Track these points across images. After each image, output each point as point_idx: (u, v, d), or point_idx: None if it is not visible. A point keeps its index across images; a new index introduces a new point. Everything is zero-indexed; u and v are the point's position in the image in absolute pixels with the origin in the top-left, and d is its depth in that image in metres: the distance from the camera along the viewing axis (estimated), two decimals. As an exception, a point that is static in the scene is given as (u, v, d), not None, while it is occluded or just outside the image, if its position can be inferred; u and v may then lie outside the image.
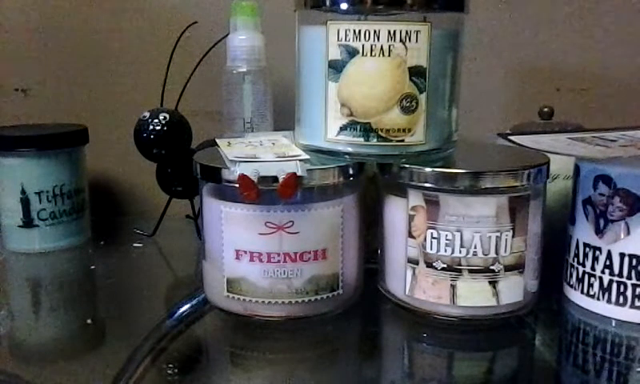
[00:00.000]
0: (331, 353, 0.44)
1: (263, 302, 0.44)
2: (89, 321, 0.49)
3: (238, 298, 0.45)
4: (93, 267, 0.61)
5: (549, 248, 0.48)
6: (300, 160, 0.43)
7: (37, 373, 0.42)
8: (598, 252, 0.46)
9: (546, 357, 0.44)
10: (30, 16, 0.73)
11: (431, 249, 0.44)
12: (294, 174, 0.42)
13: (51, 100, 0.74)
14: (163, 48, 0.63)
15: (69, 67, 0.74)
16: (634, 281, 0.44)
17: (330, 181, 0.44)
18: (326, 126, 0.45)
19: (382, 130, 0.44)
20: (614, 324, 0.45)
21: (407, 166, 0.44)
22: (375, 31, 0.42)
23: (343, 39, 0.43)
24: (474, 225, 0.43)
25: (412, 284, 0.45)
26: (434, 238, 0.43)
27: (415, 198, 0.44)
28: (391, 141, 0.44)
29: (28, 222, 0.62)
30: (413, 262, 0.45)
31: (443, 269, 0.44)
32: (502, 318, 0.45)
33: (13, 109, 0.75)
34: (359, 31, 0.42)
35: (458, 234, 0.43)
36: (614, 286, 0.45)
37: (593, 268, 0.46)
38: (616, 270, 0.45)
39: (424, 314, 0.45)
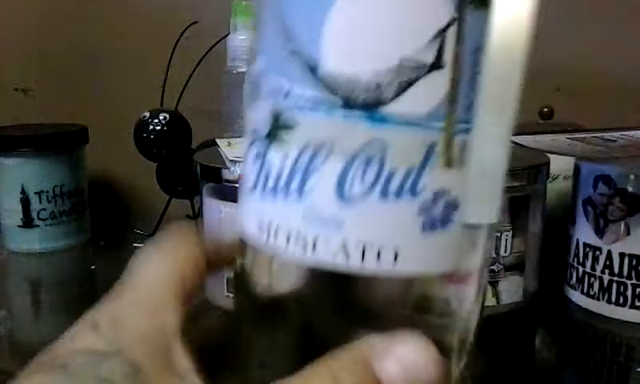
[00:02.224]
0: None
1: (263, 302, 0.44)
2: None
3: (238, 298, 0.45)
4: (93, 267, 0.61)
5: (549, 248, 0.48)
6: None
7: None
8: (598, 252, 0.46)
9: (546, 357, 0.44)
10: (29, 16, 0.73)
11: (431, 249, 0.44)
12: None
13: (51, 100, 0.74)
14: (163, 48, 0.64)
15: (69, 67, 0.74)
16: (634, 281, 0.44)
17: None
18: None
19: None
20: (614, 324, 0.45)
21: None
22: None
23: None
24: (474, 225, 0.43)
25: (412, 284, 0.45)
26: (434, 238, 0.43)
27: (415, 198, 0.44)
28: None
29: (28, 222, 0.61)
30: (413, 262, 0.45)
31: (443, 269, 0.44)
32: (501, 319, 0.45)
33: (13, 109, 0.75)
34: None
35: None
36: (614, 286, 0.45)
37: (593, 268, 0.46)
38: (616, 269, 0.45)
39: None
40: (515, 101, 0.18)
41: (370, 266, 0.16)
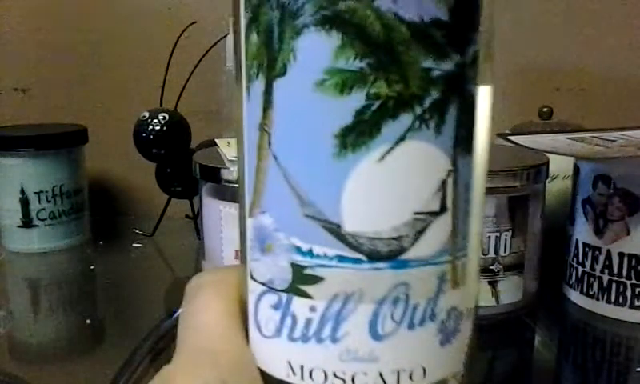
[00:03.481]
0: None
1: (263, 301, 0.44)
2: (88, 321, 0.49)
3: (238, 298, 0.45)
4: (92, 267, 0.61)
5: (548, 248, 0.48)
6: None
7: (37, 373, 0.42)
8: (597, 252, 0.46)
9: (545, 357, 0.44)
10: (29, 16, 0.73)
11: (431, 249, 0.44)
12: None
13: (51, 100, 0.74)
14: (163, 48, 0.64)
15: (69, 67, 0.74)
16: (633, 281, 0.44)
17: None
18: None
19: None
20: (613, 324, 0.45)
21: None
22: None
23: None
24: (474, 225, 0.43)
25: (411, 284, 0.45)
26: (434, 237, 0.43)
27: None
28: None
29: (27, 222, 0.62)
30: (412, 261, 0.45)
31: (443, 269, 0.44)
32: (501, 318, 0.45)
33: (12, 109, 0.75)
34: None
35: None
36: (614, 285, 0.45)
37: (592, 268, 0.46)
38: (615, 269, 0.45)
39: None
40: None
41: None
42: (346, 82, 0.17)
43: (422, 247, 0.18)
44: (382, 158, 0.17)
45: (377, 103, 0.17)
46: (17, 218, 0.61)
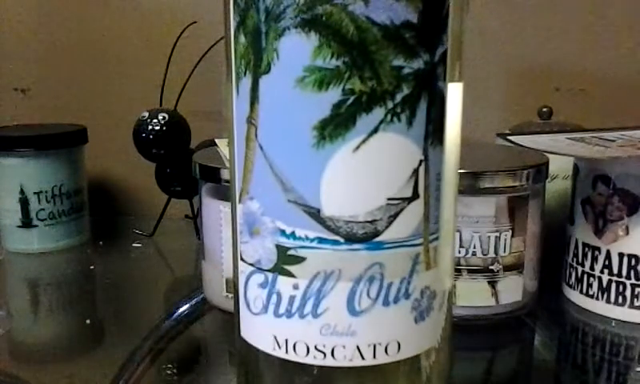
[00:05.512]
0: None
1: (262, 301, 0.44)
2: (88, 321, 0.49)
3: (238, 298, 0.45)
4: (92, 267, 0.61)
5: (548, 248, 0.48)
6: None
7: (37, 373, 0.42)
8: (597, 252, 0.46)
9: (545, 357, 0.44)
10: (29, 16, 0.73)
11: (430, 249, 0.44)
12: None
13: (51, 100, 0.74)
14: (163, 48, 0.64)
15: (69, 67, 0.74)
16: (632, 281, 0.44)
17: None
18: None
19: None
20: (613, 324, 0.45)
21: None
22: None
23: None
24: (473, 225, 0.43)
25: (411, 284, 0.45)
26: (434, 237, 0.43)
27: (414, 198, 0.44)
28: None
29: (27, 223, 0.62)
30: (412, 261, 0.45)
31: (442, 269, 0.44)
32: (500, 318, 0.45)
33: (12, 109, 0.75)
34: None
35: (456, 234, 0.43)
36: (613, 285, 0.45)
37: (592, 268, 0.46)
38: (615, 269, 0.45)
39: (423, 313, 0.45)
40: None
41: (380, 359, 0.20)
42: (323, 79, 0.18)
43: (395, 230, 0.19)
44: (357, 148, 0.18)
45: (352, 98, 0.18)
46: (16, 218, 0.61)
